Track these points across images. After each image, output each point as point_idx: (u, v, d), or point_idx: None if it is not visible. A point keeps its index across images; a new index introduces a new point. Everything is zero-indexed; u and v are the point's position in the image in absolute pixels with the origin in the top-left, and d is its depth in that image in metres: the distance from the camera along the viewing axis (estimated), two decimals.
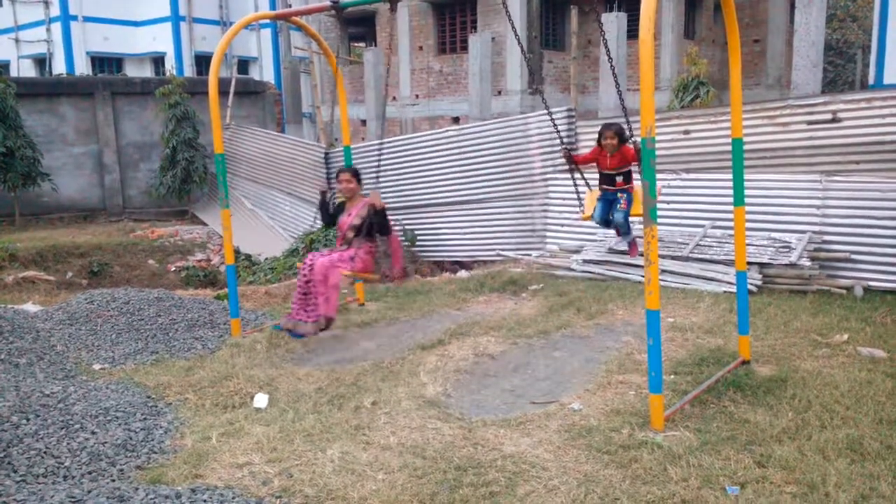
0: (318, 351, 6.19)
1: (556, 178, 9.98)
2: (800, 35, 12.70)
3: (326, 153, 12.94)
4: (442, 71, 22.39)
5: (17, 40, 28.57)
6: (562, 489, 3.46)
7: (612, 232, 6.94)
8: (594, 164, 5.60)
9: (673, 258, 7.93)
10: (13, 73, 27.19)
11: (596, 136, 5.42)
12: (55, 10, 27.43)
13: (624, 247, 7.12)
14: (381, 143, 8.15)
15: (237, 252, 11.43)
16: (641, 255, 5.80)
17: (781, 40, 21.19)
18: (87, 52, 27.92)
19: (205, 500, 3.37)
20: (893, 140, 7.71)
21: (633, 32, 16.51)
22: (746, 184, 5.48)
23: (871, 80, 14.92)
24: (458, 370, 5.33)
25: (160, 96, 15.77)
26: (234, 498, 3.44)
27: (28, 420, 4.29)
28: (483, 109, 18.82)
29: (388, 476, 3.65)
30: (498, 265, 9.74)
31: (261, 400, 4.84)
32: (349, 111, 9.65)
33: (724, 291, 7.21)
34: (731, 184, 5.10)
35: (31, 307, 7.49)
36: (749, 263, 7.21)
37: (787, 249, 7.48)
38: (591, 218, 5.70)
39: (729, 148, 5.20)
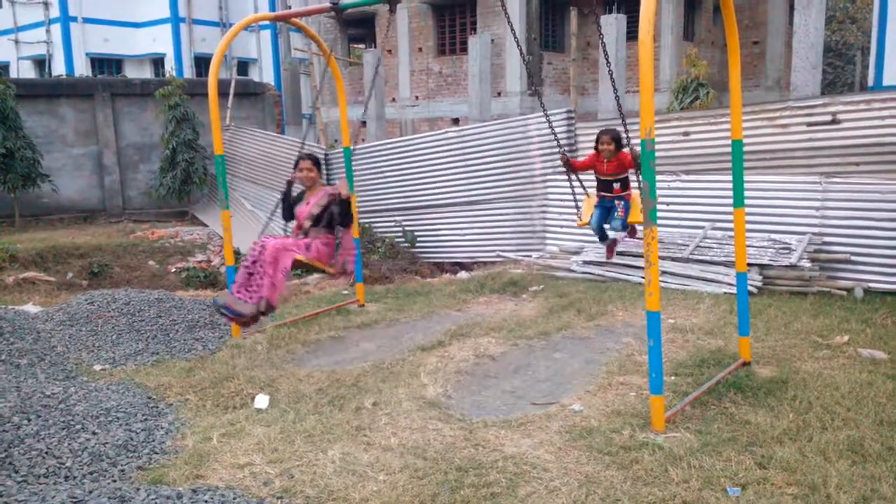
0: (318, 352, 6.19)
1: (556, 180, 9.99)
2: (799, 37, 12.71)
3: (326, 154, 12.95)
4: (441, 72, 22.41)
5: (16, 41, 28.57)
6: (563, 490, 3.46)
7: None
8: (592, 170, 5.61)
9: (673, 259, 7.94)
10: (13, 74, 27.17)
11: (594, 139, 5.44)
12: (55, 12, 27.44)
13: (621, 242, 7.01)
14: (353, 147, 8.14)
15: (237, 253, 11.40)
16: (619, 253, 5.77)
17: (781, 42, 21.23)
18: (87, 54, 27.92)
19: (206, 501, 3.37)
20: (893, 141, 7.72)
21: (632, 34, 16.46)
22: (746, 185, 5.49)
23: (870, 82, 14.92)
24: (459, 371, 5.33)
25: (160, 97, 15.77)
26: (235, 498, 3.44)
27: (29, 420, 4.30)
28: (483, 111, 18.83)
29: (389, 477, 3.66)
30: (498, 266, 9.74)
31: (261, 401, 4.84)
32: (348, 112, 9.66)
33: (725, 293, 7.21)
34: (730, 185, 5.10)
35: (31, 308, 7.49)
36: (749, 265, 7.22)
37: (788, 251, 7.49)
38: (587, 225, 5.71)
39: (729, 149, 5.21)
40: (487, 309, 7.45)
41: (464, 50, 21.24)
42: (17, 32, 28.53)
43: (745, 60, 20.34)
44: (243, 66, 29.92)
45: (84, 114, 16.53)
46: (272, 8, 29.10)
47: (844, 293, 7.05)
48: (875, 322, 6.14)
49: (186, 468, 3.81)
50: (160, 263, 12.64)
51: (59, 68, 27.30)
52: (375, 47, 23.46)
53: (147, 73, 29.14)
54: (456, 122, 21.09)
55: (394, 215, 11.84)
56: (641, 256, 5.30)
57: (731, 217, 5.33)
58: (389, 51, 23.24)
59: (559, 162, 9.68)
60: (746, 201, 5.28)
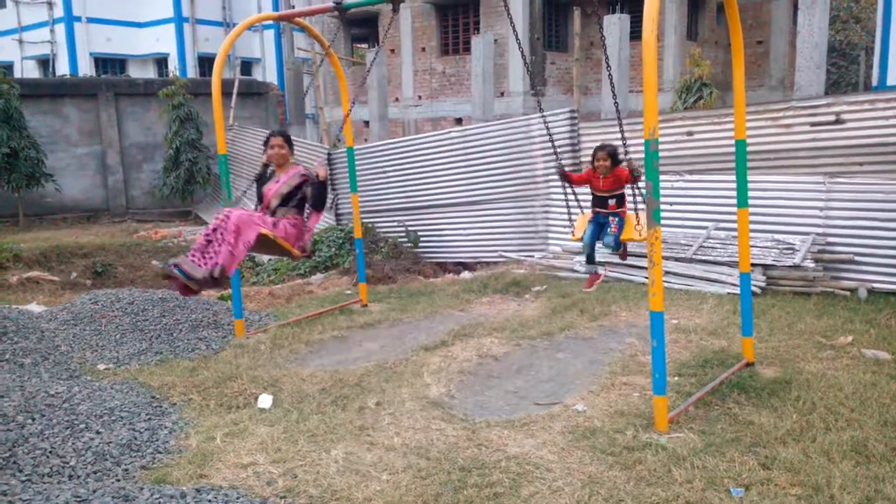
0: (321, 352, 6.20)
1: (558, 180, 9.96)
2: (803, 37, 12.70)
3: (329, 154, 12.95)
4: (445, 72, 22.41)
5: (20, 41, 28.64)
6: (566, 490, 3.46)
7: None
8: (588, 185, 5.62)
9: (676, 260, 7.93)
10: (17, 74, 27.25)
11: (599, 139, 5.43)
12: (59, 12, 27.51)
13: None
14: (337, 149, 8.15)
15: None
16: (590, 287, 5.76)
17: (785, 42, 21.20)
18: (91, 54, 27.99)
19: (209, 501, 3.38)
20: None
21: (636, 34, 16.51)
22: (750, 185, 5.48)
23: (874, 82, 14.91)
24: (462, 371, 5.34)
25: (163, 97, 15.81)
26: (238, 498, 3.44)
27: (33, 420, 4.31)
28: (486, 111, 18.84)
29: (392, 477, 3.66)
30: (501, 266, 9.74)
31: (265, 400, 4.85)
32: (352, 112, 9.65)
33: (728, 293, 7.20)
34: (734, 185, 5.10)
35: (35, 307, 7.51)
36: (753, 265, 7.21)
37: (791, 251, 7.47)
38: (580, 240, 5.72)
39: (732, 149, 5.20)
40: (490, 309, 7.45)
41: (467, 50, 21.25)
42: (20, 32, 28.60)
43: (748, 60, 20.28)
44: (247, 65, 29.99)
45: (88, 113, 16.57)
46: (276, 8, 29.18)
47: (848, 294, 7.03)
48: (879, 322, 6.12)
49: (190, 468, 3.82)
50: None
51: (62, 68, 27.37)
52: (379, 47, 23.49)
53: (150, 72, 29.21)
54: (459, 122, 21.08)
55: (397, 215, 11.84)
56: (645, 256, 5.28)
57: (734, 217, 5.33)
58: (392, 50, 23.25)
59: (562, 162, 9.71)
60: (750, 201, 5.27)
